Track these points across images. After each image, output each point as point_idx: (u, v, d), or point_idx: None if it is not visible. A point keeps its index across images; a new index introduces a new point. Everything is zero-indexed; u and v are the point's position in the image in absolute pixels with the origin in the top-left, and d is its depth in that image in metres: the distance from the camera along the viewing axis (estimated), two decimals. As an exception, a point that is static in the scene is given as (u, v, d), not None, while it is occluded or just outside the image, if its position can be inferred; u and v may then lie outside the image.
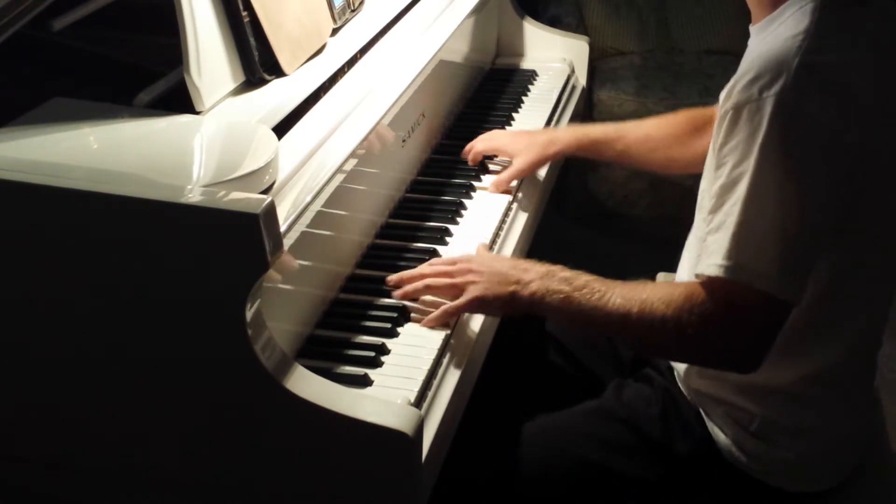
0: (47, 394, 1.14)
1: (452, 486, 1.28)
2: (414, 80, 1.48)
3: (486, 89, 2.04)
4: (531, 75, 2.10)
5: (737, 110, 1.09)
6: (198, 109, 1.20)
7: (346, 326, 1.28)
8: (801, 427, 1.28)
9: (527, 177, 1.68)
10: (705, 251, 1.13)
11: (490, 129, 1.79)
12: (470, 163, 1.69)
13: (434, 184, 1.64)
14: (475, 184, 1.64)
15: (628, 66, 3.12)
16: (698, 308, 1.12)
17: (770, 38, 1.14)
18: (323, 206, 1.25)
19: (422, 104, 1.63)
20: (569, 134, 1.70)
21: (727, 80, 1.51)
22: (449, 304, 1.28)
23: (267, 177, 1.09)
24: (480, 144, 1.70)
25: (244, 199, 1.00)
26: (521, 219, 1.61)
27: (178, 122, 1.17)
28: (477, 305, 1.27)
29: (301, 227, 1.19)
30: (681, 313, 1.13)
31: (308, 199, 1.17)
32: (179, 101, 1.20)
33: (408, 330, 1.27)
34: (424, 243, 1.46)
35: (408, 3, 1.64)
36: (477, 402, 1.30)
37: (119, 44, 1.42)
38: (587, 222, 3.04)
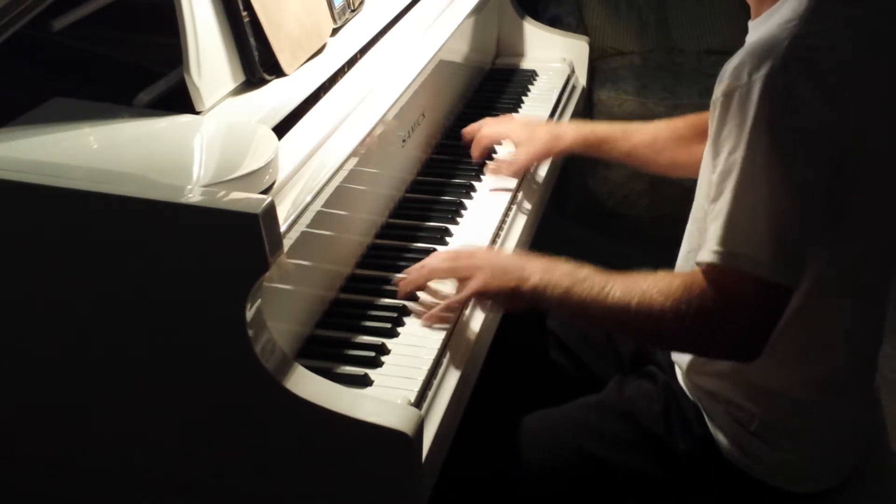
0: (47, 394, 1.14)
1: (452, 486, 1.28)
2: (414, 80, 1.48)
3: (486, 89, 2.04)
4: (531, 75, 2.10)
5: (727, 96, 1.09)
6: (198, 109, 1.20)
7: (346, 326, 1.28)
8: (801, 428, 1.28)
9: (530, 168, 1.67)
10: (705, 239, 1.13)
11: (491, 129, 1.79)
12: (475, 156, 1.69)
13: (434, 184, 1.64)
14: (475, 184, 1.64)
15: (628, 66, 3.12)
16: (696, 297, 1.12)
17: (765, 27, 1.14)
18: (323, 206, 1.25)
19: (422, 104, 1.63)
20: (576, 130, 1.69)
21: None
22: (451, 298, 1.28)
23: (267, 177, 1.09)
24: (487, 129, 1.69)
25: (244, 199, 1.00)
26: (521, 219, 1.61)
27: (178, 122, 1.17)
28: (480, 297, 1.27)
29: (301, 227, 1.19)
30: (679, 304, 1.12)
31: (308, 199, 1.17)
32: (179, 101, 1.20)
33: (408, 330, 1.27)
34: (424, 243, 1.46)
35: (408, 3, 1.64)
36: (477, 402, 1.30)
37: (119, 44, 1.42)
38: (587, 222, 3.04)
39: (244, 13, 1.26)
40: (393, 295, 1.33)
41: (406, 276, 1.34)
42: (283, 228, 1.08)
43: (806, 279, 1.15)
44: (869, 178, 1.15)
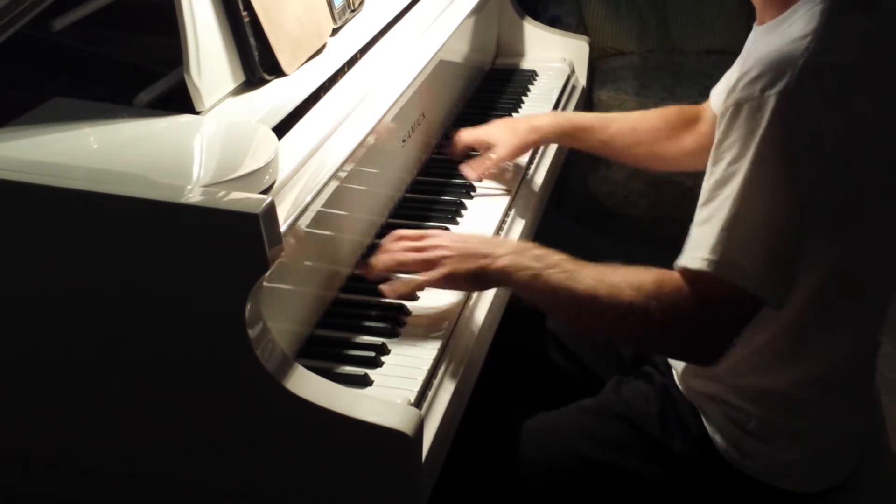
0: (47, 393, 1.14)
1: (453, 486, 1.28)
2: (414, 80, 1.48)
3: (486, 89, 2.04)
4: (531, 75, 2.10)
5: (737, 107, 1.09)
6: (198, 109, 1.20)
7: (346, 326, 1.28)
8: (799, 428, 1.28)
9: (510, 161, 1.67)
10: (690, 243, 1.13)
11: (490, 129, 1.79)
12: (455, 156, 1.69)
13: (434, 184, 1.64)
14: (475, 184, 1.64)
15: (628, 66, 3.12)
16: (668, 297, 1.11)
17: (777, 37, 1.13)
18: (323, 206, 1.25)
19: (422, 104, 1.63)
20: (552, 120, 1.69)
21: (726, 81, 1.52)
22: (419, 277, 1.26)
23: (267, 177, 1.09)
24: (465, 135, 1.69)
25: (244, 199, 1.00)
26: (521, 219, 1.62)
27: (178, 122, 1.17)
28: (447, 280, 1.26)
29: (301, 227, 1.19)
30: (648, 300, 1.12)
31: (308, 199, 1.17)
32: (179, 101, 1.20)
33: (408, 330, 1.27)
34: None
35: (408, 3, 1.64)
36: (477, 402, 1.30)
37: (119, 44, 1.42)
38: (587, 222, 3.04)
39: (244, 13, 1.26)
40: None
41: (372, 262, 1.31)
42: (283, 228, 1.07)
43: (806, 283, 1.15)
44: (876, 188, 1.15)
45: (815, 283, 1.17)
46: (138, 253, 1.02)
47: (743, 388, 1.27)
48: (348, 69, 1.42)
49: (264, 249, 0.98)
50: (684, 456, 1.33)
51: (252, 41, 1.27)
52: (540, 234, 1.72)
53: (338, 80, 1.38)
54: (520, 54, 2.20)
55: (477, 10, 1.86)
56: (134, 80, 1.27)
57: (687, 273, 1.12)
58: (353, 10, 1.53)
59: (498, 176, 1.67)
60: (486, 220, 1.54)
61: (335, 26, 1.46)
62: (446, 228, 1.50)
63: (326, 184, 1.22)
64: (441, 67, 1.71)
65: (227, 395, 1.07)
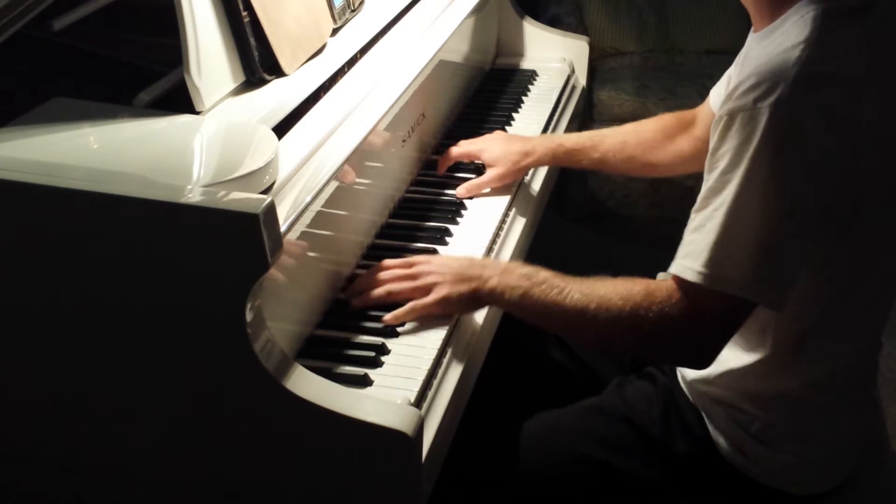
0: (47, 394, 1.14)
1: (453, 486, 1.28)
2: (414, 80, 1.48)
3: (486, 89, 2.04)
4: (531, 75, 2.10)
5: (731, 117, 1.09)
6: (198, 109, 1.20)
7: (346, 326, 1.28)
8: (801, 431, 1.28)
9: (497, 187, 1.65)
10: (682, 250, 1.13)
11: (490, 129, 1.79)
12: (439, 171, 1.67)
13: (434, 184, 1.64)
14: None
15: (628, 66, 3.13)
16: (657, 306, 1.13)
17: (770, 46, 1.12)
18: (323, 206, 1.25)
19: (422, 104, 1.63)
20: (544, 145, 1.69)
21: (726, 81, 1.52)
22: (417, 303, 1.27)
23: (267, 177, 1.09)
24: (455, 150, 1.68)
25: (244, 199, 1.00)
26: (521, 219, 1.62)
27: (178, 122, 1.17)
28: (441, 304, 1.27)
29: (301, 227, 1.19)
30: (638, 309, 1.13)
31: (308, 199, 1.17)
32: (179, 101, 1.20)
33: (408, 330, 1.27)
34: (424, 243, 1.46)
35: (408, 3, 1.64)
36: (477, 402, 1.30)
37: (119, 44, 1.42)
38: (587, 222, 3.04)
39: (244, 13, 1.26)
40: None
41: (359, 286, 1.32)
42: (283, 228, 1.07)
43: (808, 288, 1.15)
44: (874, 197, 1.14)
45: (817, 289, 1.17)
46: (138, 253, 1.02)
47: (746, 392, 1.27)
48: (348, 69, 1.42)
49: (264, 249, 0.98)
50: (686, 457, 1.33)
51: (252, 41, 1.27)
52: (540, 234, 1.72)
53: (338, 81, 1.38)
54: (520, 54, 2.20)
55: (477, 10, 1.86)
56: (134, 80, 1.27)
57: (680, 282, 1.13)
58: (353, 10, 1.53)
59: None
60: (486, 221, 1.54)
61: (335, 26, 1.46)
62: (446, 228, 1.50)
63: (326, 184, 1.22)
64: (441, 67, 1.71)
65: (227, 394, 1.07)
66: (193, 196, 1.00)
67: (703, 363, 1.16)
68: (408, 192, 1.61)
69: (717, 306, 1.11)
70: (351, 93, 1.36)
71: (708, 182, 1.12)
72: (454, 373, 1.23)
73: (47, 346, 1.11)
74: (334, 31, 1.47)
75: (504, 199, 1.61)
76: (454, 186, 1.63)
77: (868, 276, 1.21)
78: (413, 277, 1.30)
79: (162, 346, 1.06)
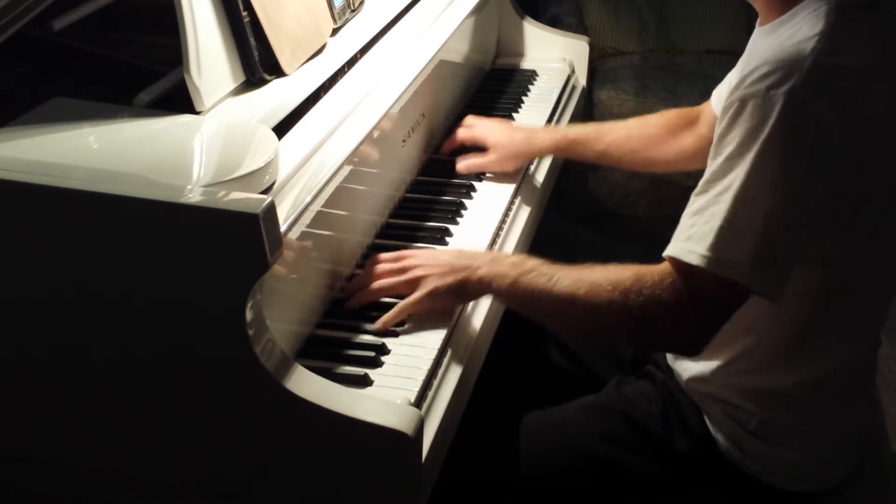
0: (47, 394, 1.14)
1: (453, 486, 1.28)
2: (414, 80, 1.48)
3: (486, 89, 2.04)
4: (531, 75, 2.10)
5: (742, 103, 1.08)
6: (198, 109, 1.20)
7: (346, 326, 1.28)
8: (800, 427, 1.28)
9: (496, 171, 1.67)
10: (682, 232, 1.12)
11: (491, 129, 1.79)
12: (444, 150, 1.70)
13: (434, 184, 1.64)
14: (475, 184, 1.64)
15: (628, 66, 3.12)
16: (647, 290, 1.12)
17: (783, 38, 1.12)
18: (323, 206, 1.25)
19: (422, 104, 1.63)
20: (547, 135, 1.71)
21: (727, 81, 1.52)
22: (405, 302, 1.28)
23: (267, 177, 1.09)
24: (462, 132, 1.70)
25: (244, 199, 1.00)
26: (522, 219, 1.62)
27: (178, 122, 1.17)
28: (431, 297, 1.27)
29: (301, 227, 1.19)
30: (627, 294, 1.13)
31: (308, 199, 1.17)
32: (179, 101, 1.20)
33: (408, 330, 1.27)
34: (424, 243, 1.46)
35: (408, 3, 1.64)
36: (477, 402, 1.30)
37: (119, 44, 1.42)
38: (587, 222, 3.04)
39: (244, 13, 1.26)
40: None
41: (355, 288, 1.32)
42: (283, 228, 1.08)
43: (808, 284, 1.15)
44: (880, 189, 1.15)
45: (818, 284, 1.17)
46: (138, 253, 1.02)
47: (745, 389, 1.27)
48: (348, 69, 1.42)
49: (264, 249, 0.98)
50: (686, 454, 1.33)
51: (252, 41, 1.27)
52: (540, 234, 1.72)
53: (338, 80, 1.38)
54: (520, 54, 2.20)
55: (477, 10, 1.86)
56: (134, 80, 1.27)
57: (679, 265, 1.11)
58: (353, 10, 1.53)
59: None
60: (486, 220, 1.54)
61: (335, 26, 1.46)
62: (446, 228, 1.50)
63: (326, 184, 1.22)
64: (441, 67, 1.71)
65: (226, 394, 1.07)
66: (193, 196, 1.00)
67: (694, 350, 1.15)
68: (408, 191, 1.61)
69: (716, 291, 1.10)
70: (351, 93, 1.36)
71: (712, 167, 1.11)
72: (454, 373, 1.23)
73: (47, 346, 1.11)
74: (334, 31, 1.47)
75: (504, 200, 1.61)
76: (454, 187, 1.63)
77: (866, 274, 1.21)
78: (402, 272, 1.30)
79: (162, 346, 1.06)
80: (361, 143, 1.31)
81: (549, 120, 1.93)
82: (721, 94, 1.53)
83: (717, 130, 1.13)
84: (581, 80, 2.15)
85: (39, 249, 1.05)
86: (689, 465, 1.33)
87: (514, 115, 1.92)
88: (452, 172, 1.67)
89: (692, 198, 1.14)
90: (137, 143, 1.13)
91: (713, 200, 1.10)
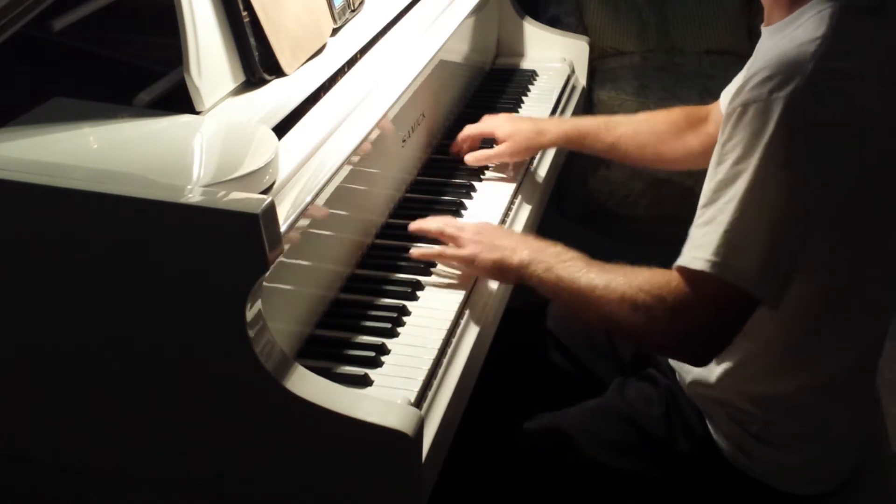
0: (47, 394, 1.14)
1: (453, 486, 1.28)
2: (414, 80, 1.48)
3: (486, 89, 2.04)
4: (531, 75, 2.10)
5: (744, 108, 1.08)
6: (198, 109, 1.20)
7: (346, 326, 1.28)
8: (802, 430, 1.28)
9: (510, 160, 1.68)
10: (691, 243, 1.12)
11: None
12: (461, 148, 1.70)
13: (434, 184, 1.64)
14: (475, 184, 1.64)
15: (628, 66, 3.12)
16: (672, 298, 1.12)
17: (786, 40, 1.12)
18: (323, 206, 1.25)
19: (422, 104, 1.63)
20: (558, 126, 1.71)
21: (727, 81, 1.52)
22: (447, 249, 1.36)
23: (267, 177, 1.09)
24: (470, 127, 1.71)
25: (244, 199, 1.00)
26: (522, 218, 1.62)
27: (178, 122, 1.17)
28: (467, 262, 1.34)
29: (301, 227, 1.19)
30: (654, 301, 1.13)
31: (308, 199, 1.17)
32: (179, 101, 1.20)
33: (408, 330, 1.27)
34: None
35: (408, 3, 1.64)
36: (477, 402, 1.30)
37: (119, 44, 1.42)
38: (587, 222, 3.04)
39: (244, 13, 1.26)
40: (393, 295, 1.33)
41: (419, 227, 1.42)
42: (283, 228, 1.08)
43: (811, 289, 1.15)
44: (882, 193, 1.15)
45: (820, 289, 1.17)
46: (138, 253, 1.02)
47: (748, 393, 1.27)
48: (348, 69, 1.42)
49: (264, 249, 0.98)
50: (688, 458, 1.33)
51: (252, 41, 1.27)
52: (540, 233, 1.71)
53: (338, 80, 1.38)
54: (520, 54, 2.20)
55: (477, 10, 1.86)
56: (134, 80, 1.27)
57: (686, 273, 1.12)
58: (353, 10, 1.53)
59: (501, 168, 1.68)
60: (486, 221, 1.54)
61: (335, 26, 1.46)
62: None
63: (326, 184, 1.22)
64: (441, 67, 1.71)
65: (226, 394, 1.07)
66: (193, 196, 1.00)
67: (705, 359, 1.16)
68: (408, 191, 1.61)
69: (724, 298, 1.09)
70: (351, 93, 1.36)
71: (717, 175, 1.11)
72: (454, 373, 1.23)
73: (47, 346, 1.11)
74: (334, 31, 1.47)
75: (504, 200, 1.61)
76: (454, 186, 1.63)
77: (869, 278, 1.21)
78: (461, 240, 1.36)
79: (161, 347, 1.06)
80: (361, 143, 1.31)
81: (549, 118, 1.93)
82: (730, 94, 1.53)
83: (720, 136, 1.13)
84: (581, 80, 2.15)
85: (39, 249, 1.05)
86: (691, 467, 1.33)
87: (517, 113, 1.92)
88: (453, 172, 1.67)
89: (699, 210, 1.13)
90: (137, 143, 1.13)
91: (721, 209, 1.10)
